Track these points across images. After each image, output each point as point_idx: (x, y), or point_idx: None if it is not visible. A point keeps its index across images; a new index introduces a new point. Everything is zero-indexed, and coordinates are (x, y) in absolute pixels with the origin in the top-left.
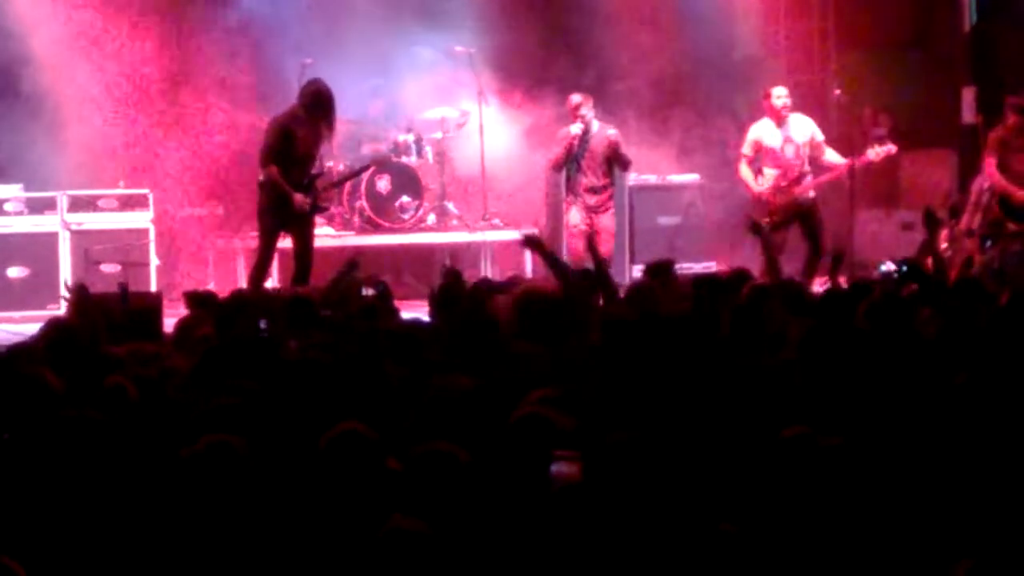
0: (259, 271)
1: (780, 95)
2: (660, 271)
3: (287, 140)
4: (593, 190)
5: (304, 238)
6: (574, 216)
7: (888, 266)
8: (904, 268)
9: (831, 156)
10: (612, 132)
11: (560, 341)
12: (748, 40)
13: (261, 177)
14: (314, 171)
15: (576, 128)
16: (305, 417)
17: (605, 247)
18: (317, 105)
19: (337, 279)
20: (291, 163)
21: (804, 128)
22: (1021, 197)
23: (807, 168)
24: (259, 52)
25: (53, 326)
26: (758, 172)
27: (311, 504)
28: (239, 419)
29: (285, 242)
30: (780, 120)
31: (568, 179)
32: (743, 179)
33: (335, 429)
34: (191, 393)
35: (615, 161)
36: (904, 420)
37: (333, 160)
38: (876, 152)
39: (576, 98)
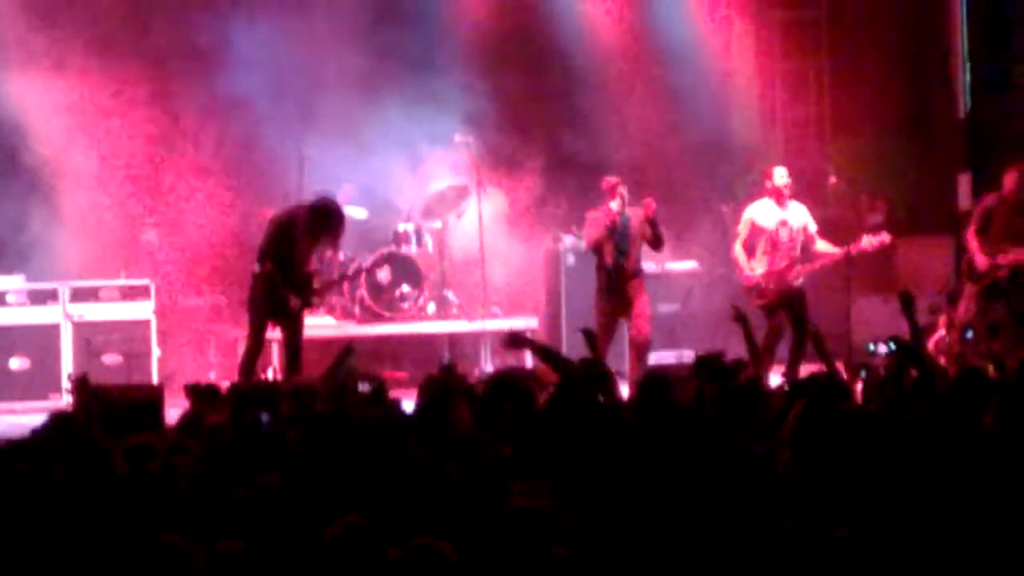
0: (249, 361)
1: (781, 175)
2: (708, 363)
3: (287, 240)
4: (634, 273)
5: (293, 332)
6: (606, 301)
7: (880, 347)
8: (894, 346)
9: (822, 247)
10: (648, 202)
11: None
12: (745, 126)
13: (256, 269)
14: (310, 269)
15: (616, 204)
16: (309, 509)
17: (643, 331)
18: (325, 224)
19: (333, 368)
20: (289, 262)
21: (799, 215)
22: (979, 262)
23: (799, 254)
24: (260, 142)
25: (55, 419)
26: (751, 254)
27: None
28: (251, 512)
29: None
30: (780, 200)
31: (602, 264)
32: (736, 259)
33: (336, 524)
34: (199, 486)
35: (652, 238)
36: (905, 509)
37: (333, 251)
38: (870, 241)
39: (612, 178)
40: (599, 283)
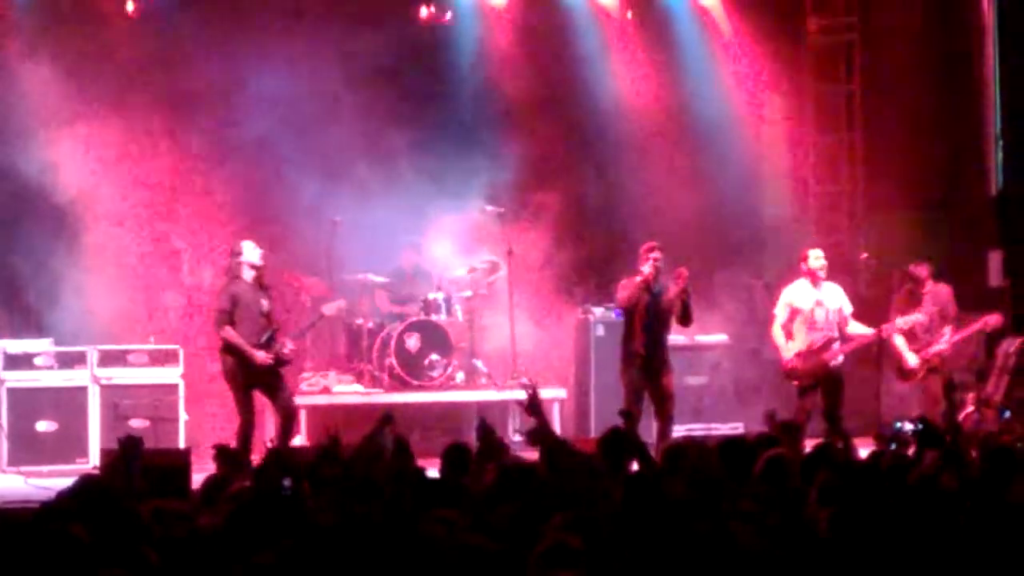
0: (245, 432)
1: (818, 257)
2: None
3: (235, 301)
4: (661, 347)
5: (276, 392)
6: (634, 380)
7: (905, 425)
8: (920, 427)
9: (855, 328)
10: (680, 271)
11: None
12: (777, 200)
13: (220, 341)
14: (269, 327)
15: (648, 267)
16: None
17: (668, 409)
18: (232, 259)
19: (371, 435)
20: (245, 322)
21: (836, 296)
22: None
23: (836, 334)
24: (291, 209)
25: (85, 483)
26: (789, 334)
27: None
28: None
29: (318, 398)
30: (816, 282)
31: (629, 333)
32: (774, 341)
33: None
34: (221, 551)
35: (681, 311)
36: None
37: (363, 318)
38: (905, 321)
39: (649, 243)
40: (624, 353)
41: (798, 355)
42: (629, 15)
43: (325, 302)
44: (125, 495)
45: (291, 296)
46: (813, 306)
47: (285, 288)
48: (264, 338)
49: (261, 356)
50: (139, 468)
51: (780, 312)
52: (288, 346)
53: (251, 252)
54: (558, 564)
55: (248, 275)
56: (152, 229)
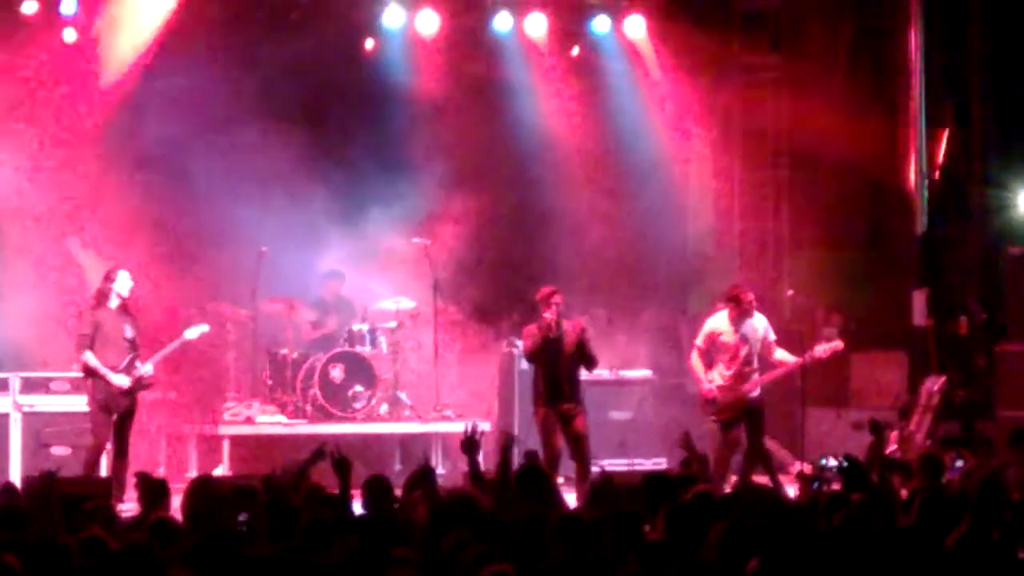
0: (93, 456)
1: (750, 298)
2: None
3: (97, 327)
4: (567, 395)
5: (124, 425)
6: (546, 420)
7: (831, 462)
8: (845, 464)
9: (780, 355)
10: (583, 321)
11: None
12: (702, 237)
13: (77, 367)
14: (130, 352)
15: (549, 314)
16: None
17: (583, 450)
18: (103, 284)
19: (304, 465)
20: (107, 347)
21: (759, 326)
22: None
23: (755, 366)
24: (215, 238)
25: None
26: (709, 366)
27: None
28: None
29: (241, 428)
30: (739, 317)
31: (538, 380)
32: (693, 371)
33: None
34: None
35: (584, 356)
36: None
37: (287, 348)
38: (824, 348)
39: (547, 288)
40: (534, 396)
41: (720, 388)
42: (575, 51)
43: (247, 331)
44: (46, 527)
45: (217, 326)
46: (737, 341)
47: (209, 316)
48: (124, 363)
49: (119, 379)
50: (58, 501)
51: (701, 342)
52: (148, 371)
53: (123, 283)
54: None
55: (114, 303)
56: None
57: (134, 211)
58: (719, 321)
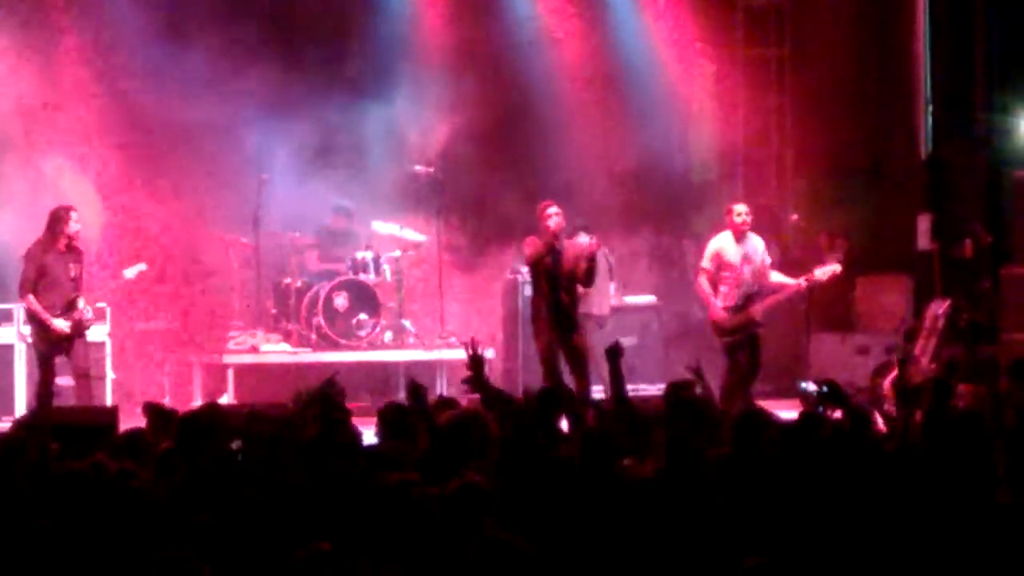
0: (41, 400)
1: (741, 212)
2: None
3: (39, 268)
4: (566, 307)
5: (74, 361)
6: (545, 336)
7: (809, 385)
8: (824, 389)
9: (777, 278)
10: (585, 239)
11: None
12: (705, 163)
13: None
14: (72, 294)
15: (552, 223)
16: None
17: (581, 367)
18: (53, 225)
19: (316, 395)
20: (52, 288)
21: (758, 248)
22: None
23: (755, 291)
24: (217, 165)
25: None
26: (715, 287)
27: None
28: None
29: (246, 357)
30: (740, 236)
31: (539, 303)
32: (703, 294)
33: (303, 550)
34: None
35: (584, 272)
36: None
37: (291, 277)
38: (823, 271)
39: (545, 203)
40: (533, 313)
41: (726, 309)
42: None
43: (250, 260)
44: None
45: (219, 254)
46: (741, 261)
47: (212, 246)
48: (65, 304)
49: (58, 325)
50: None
51: (708, 264)
52: (88, 313)
53: (74, 223)
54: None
55: (62, 242)
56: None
57: (131, 136)
58: (723, 241)
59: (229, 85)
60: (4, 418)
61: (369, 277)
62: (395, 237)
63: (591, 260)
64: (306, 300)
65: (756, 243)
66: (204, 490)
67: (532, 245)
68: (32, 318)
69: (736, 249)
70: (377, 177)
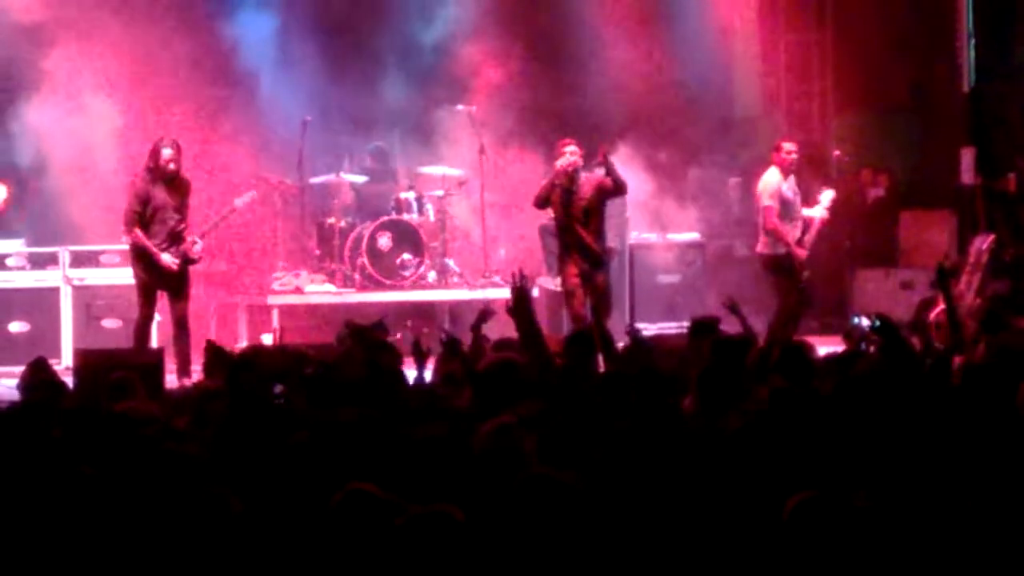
0: (140, 333)
1: (790, 150)
2: (704, 329)
3: (143, 202)
4: (585, 244)
5: (177, 296)
6: (570, 273)
7: (864, 321)
8: (877, 323)
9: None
10: (601, 171)
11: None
12: (748, 99)
13: (126, 240)
14: (179, 226)
15: (563, 161)
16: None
17: (600, 305)
18: (153, 161)
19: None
20: (152, 223)
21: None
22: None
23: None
24: (260, 107)
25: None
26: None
27: (318, 564)
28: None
29: (290, 298)
30: (788, 173)
31: (561, 233)
32: (780, 233)
33: (344, 491)
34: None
35: (612, 184)
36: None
37: (334, 218)
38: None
39: (563, 140)
40: (559, 251)
41: (800, 245)
42: None
43: (296, 203)
44: (93, 398)
45: (262, 196)
46: (794, 196)
47: (258, 187)
48: (171, 238)
49: (167, 259)
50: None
51: (775, 203)
52: (197, 245)
53: (170, 155)
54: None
55: (163, 176)
56: (125, 126)
57: (178, 79)
58: (776, 177)
59: (271, 28)
60: (52, 361)
61: (412, 217)
62: (437, 177)
63: (608, 166)
64: (350, 240)
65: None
66: (245, 432)
67: (540, 187)
68: (138, 253)
69: (788, 185)
70: (417, 118)
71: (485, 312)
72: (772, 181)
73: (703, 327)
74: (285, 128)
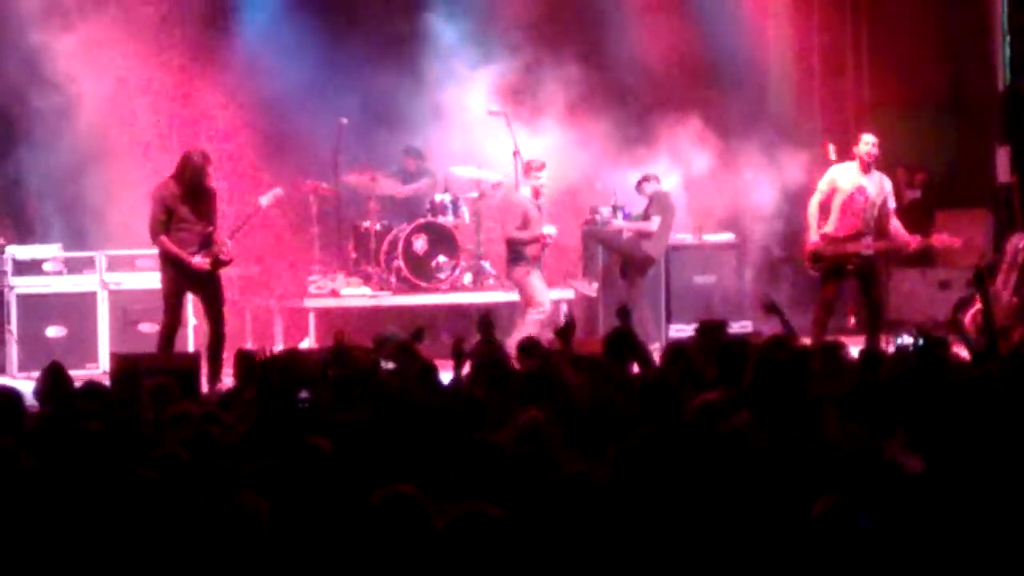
0: (164, 339)
1: (868, 142)
2: (709, 331)
3: (168, 210)
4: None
5: (211, 300)
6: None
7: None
8: (921, 342)
9: (896, 226)
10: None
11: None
12: (782, 97)
13: (156, 250)
14: (207, 229)
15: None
16: (357, 476)
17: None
18: (187, 169)
19: (407, 345)
20: (180, 231)
21: (881, 187)
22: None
23: (870, 227)
24: (297, 111)
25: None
26: (824, 213)
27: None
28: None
29: (326, 301)
30: (865, 167)
31: None
32: (807, 217)
33: (383, 491)
34: (234, 456)
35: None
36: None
37: (370, 221)
38: (942, 240)
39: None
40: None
41: (823, 236)
42: None
43: (330, 204)
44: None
45: (297, 199)
46: (853, 191)
47: (291, 191)
48: (200, 242)
49: (197, 261)
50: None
51: (823, 186)
52: (227, 245)
53: (199, 160)
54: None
55: (190, 180)
56: (158, 130)
57: (210, 82)
58: (844, 168)
59: (305, 30)
60: (88, 365)
61: (448, 219)
62: (473, 179)
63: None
64: (386, 243)
65: (881, 181)
66: (274, 435)
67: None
68: (167, 260)
69: (855, 178)
70: (451, 121)
71: (486, 320)
72: (833, 168)
73: (709, 330)
74: (319, 127)
